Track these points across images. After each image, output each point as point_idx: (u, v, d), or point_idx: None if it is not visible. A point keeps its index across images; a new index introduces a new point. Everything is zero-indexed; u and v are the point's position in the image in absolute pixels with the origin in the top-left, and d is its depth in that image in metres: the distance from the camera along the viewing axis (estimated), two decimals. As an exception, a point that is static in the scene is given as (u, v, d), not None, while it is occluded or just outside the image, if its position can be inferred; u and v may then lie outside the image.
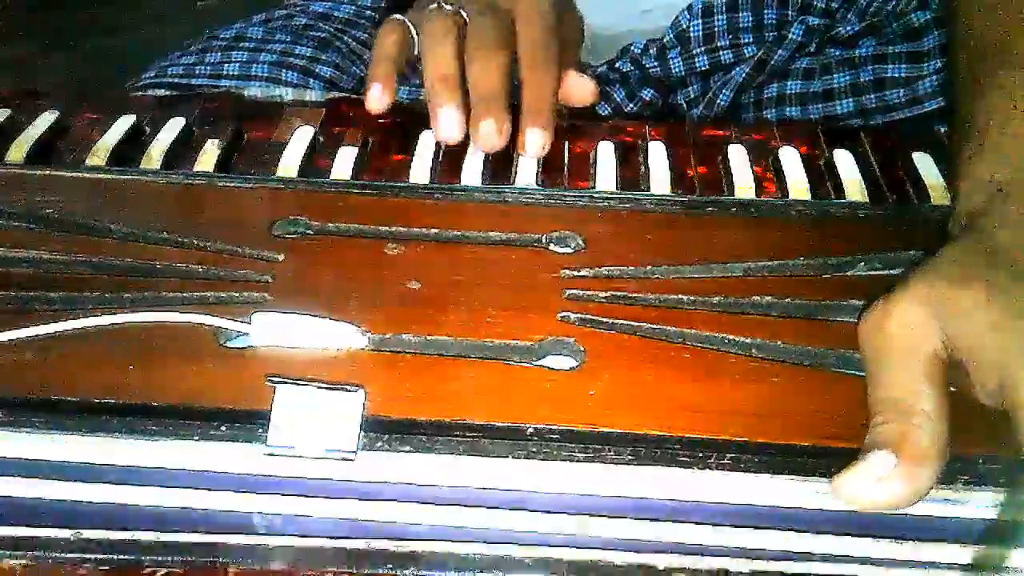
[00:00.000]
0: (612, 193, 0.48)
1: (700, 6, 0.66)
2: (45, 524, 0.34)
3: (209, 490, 0.35)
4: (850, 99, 0.63)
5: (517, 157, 0.51)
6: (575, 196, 0.48)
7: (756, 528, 0.34)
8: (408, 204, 0.47)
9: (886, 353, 0.35)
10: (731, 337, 0.39)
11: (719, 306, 0.41)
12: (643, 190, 0.49)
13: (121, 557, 0.33)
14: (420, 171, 0.50)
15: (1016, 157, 0.40)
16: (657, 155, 0.51)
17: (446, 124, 0.49)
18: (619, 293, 0.41)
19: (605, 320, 0.40)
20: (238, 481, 0.35)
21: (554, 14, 0.53)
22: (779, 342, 0.39)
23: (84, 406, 0.37)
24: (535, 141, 0.49)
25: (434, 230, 0.45)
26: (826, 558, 0.34)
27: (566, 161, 0.52)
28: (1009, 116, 0.42)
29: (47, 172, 0.49)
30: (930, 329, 0.34)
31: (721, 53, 0.66)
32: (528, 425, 0.36)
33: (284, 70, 0.66)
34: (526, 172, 0.50)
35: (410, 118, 0.54)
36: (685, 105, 0.68)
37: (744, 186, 0.49)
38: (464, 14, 0.52)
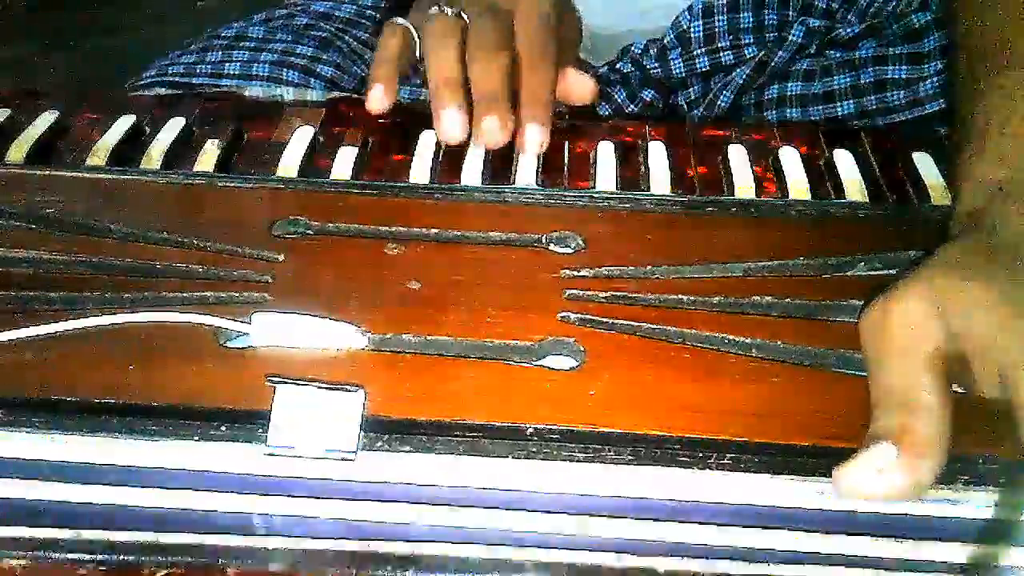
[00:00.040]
0: (612, 193, 0.48)
1: (700, 7, 0.66)
2: (45, 524, 0.34)
3: (209, 491, 0.35)
4: (851, 101, 0.63)
5: (517, 157, 0.51)
6: (575, 196, 0.48)
7: (756, 528, 0.34)
8: (408, 204, 0.47)
9: (887, 349, 0.35)
10: (731, 337, 0.39)
11: (719, 306, 0.41)
12: (643, 190, 0.49)
13: (121, 558, 0.33)
14: (420, 171, 0.50)
15: (1015, 157, 0.40)
16: (657, 155, 0.51)
17: (449, 124, 0.49)
18: (619, 293, 0.42)
19: (605, 320, 0.40)
20: (238, 481, 0.35)
21: (553, 14, 0.53)
22: (779, 342, 0.39)
23: (84, 406, 0.37)
24: (533, 136, 0.50)
25: (434, 230, 0.45)
26: (826, 559, 0.34)
27: (566, 161, 0.52)
28: (1009, 116, 0.42)
29: (47, 172, 0.49)
30: (930, 325, 0.34)
31: (722, 54, 0.66)
32: (528, 425, 0.36)
33: (285, 69, 0.66)
34: (526, 172, 0.50)
35: (410, 118, 0.54)
36: (686, 106, 0.68)
37: (744, 186, 0.49)
38: (465, 16, 0.52)
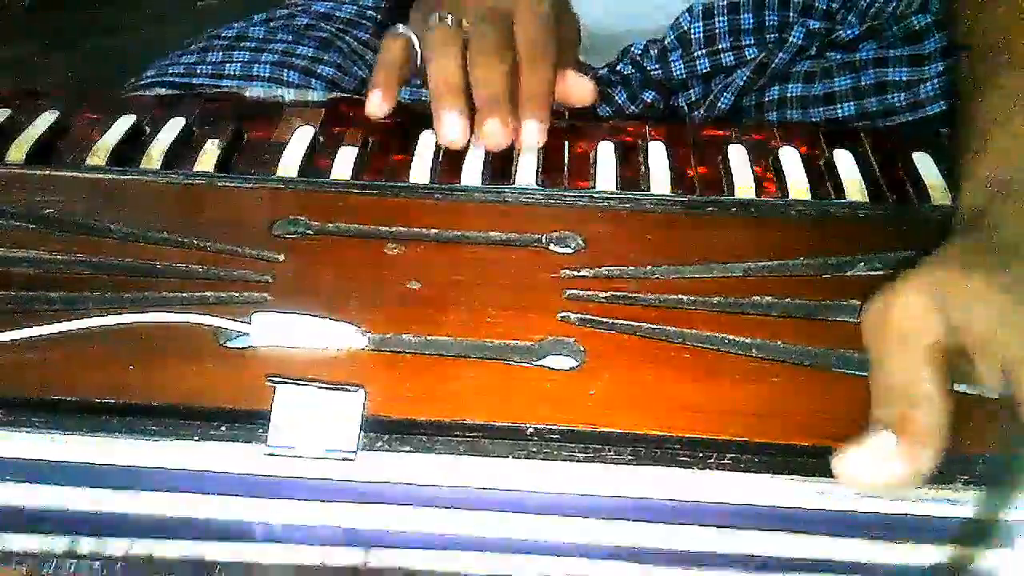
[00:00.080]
0: (612, 193, 0.48)
1: (700, 8, 0.66)
2: (44, 531, 0.34)
3: (208, 494, 0.35)
4: (851, 103, 0.63)
5: (517, 157, 0.51)
6: (575, 196, 0.48)
7: (756, 529, 0.34)
8: (408, 204, 0.47)
9: (888, 341, 0.35)
10: (731, 337, 0.39)
11: (719, 306, 0.41)
12: (643, 190, 0.49)
13: (119, 566, 0.33)
14: (420, 171, 0.50)
15: (1017, 157, 0.41)
16: (657, 155, 0.51)
17: (450, 128, 0.50)
18: (619, 293, 0.41)
19: (605, 320, 0.40)
20: (238, 481, 0.35)
21: (552, 15, 0.54)
22: (779, 342, 0.39)
23: (84, 406, 0.37)
24: (532, 134, 0.50)
25: (434, 230, 0.45)
26: (826, 558, 0.34)
27: (566, 161, 0.52)
28: (1010, 116, 0.42)
29: (47, 172, 0.49)
30: (932, 318, 0.34)
31: (722, 55, 0.66)
32: (528, 425, 0.36)
33: (286, 70, 0.66)
34: (526, 172, 0.50)
35: (410, 118, 0.54)
36: (686, 108, 0.68)
37: (744, 186, 0.49)
38: (465, 23, 0.52)
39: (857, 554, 0.34)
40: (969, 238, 0.38)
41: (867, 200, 0.48)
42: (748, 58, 0.65)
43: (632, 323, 0.40)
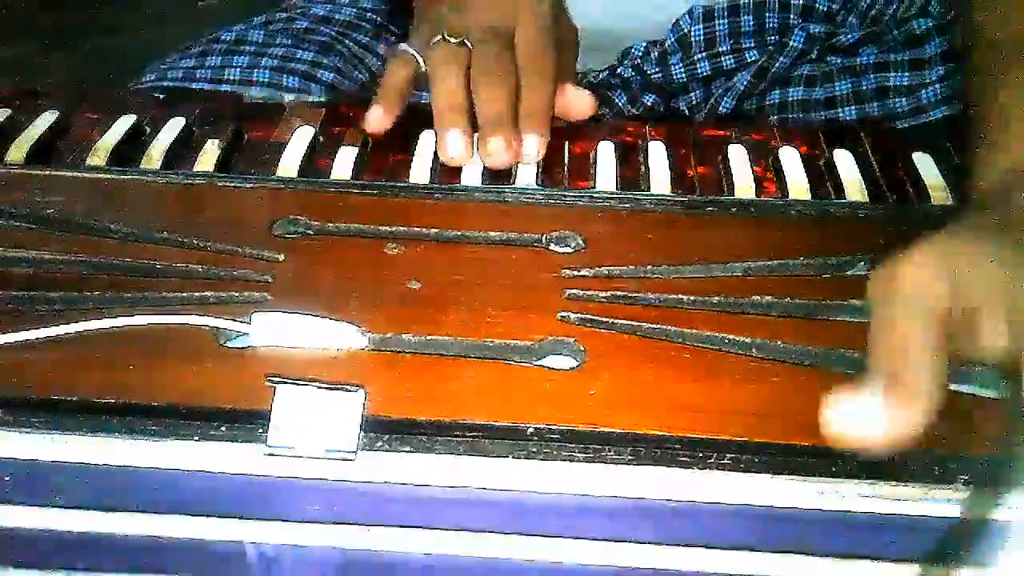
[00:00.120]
0: (612, 193, 0.48)
1: (701, 10, 0.66)
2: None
3: (207, 495, 0.35)
4: (853, 107, 0.64)
5: (517, 163, 0.51)
6: (575, 196, 0.48)
7: (756, 529, 0.34)
8: (408, 204, 0.47)
9: (892, 305, 0.35)
10: (731, 337, 0.39)
11: (719, 306, 0.41)
12: (643, 190, 0.49)
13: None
14: (420, 171, 0.50)
15: None
16: (657, 155, 0.51)
17: (452, 146, 0.51)
18: (619, 293, 0.42)
19: (605, 320, 0.40)
20: (238, 481, 0.35)
21: (552, 31, 0.55)
22: (779, 342, 0.39)
23: (84, 406, 0.37)
24: (531, 148, 0.51)
25: (434, 230, 0.45)
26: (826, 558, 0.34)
27: (566, 161, 0.52)
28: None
29: (47, 172, 0.49)
30: (937, 286, 0.34)
31: (723, 58, 0.66)
32: (528, 425, 0.36)
33: (285, 75, 0.66)
34: (526, 172, 0.51)
35: (410, 118, 0.54)
36: (687, 111, 0.68)
37: (744, 186, 0.49)
38: (468, 43, 0.53)
39: (856, 553, 0.34)
40: (984, 217, 0.38)
41: (867, 200, 0.48)
42: (748, 61, 0.65)
43: (632, 323, 0.40)
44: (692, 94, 0.68)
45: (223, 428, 0.36)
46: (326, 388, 0.36)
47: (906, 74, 0.63)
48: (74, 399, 0.37)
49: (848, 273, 0.43)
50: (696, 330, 0.39)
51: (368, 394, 0.36)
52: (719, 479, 0.35)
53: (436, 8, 0.57)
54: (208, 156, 0.51)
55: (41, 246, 0.44)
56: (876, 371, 0.33)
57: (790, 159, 0.51)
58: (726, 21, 0.66)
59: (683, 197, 0.48)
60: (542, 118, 0.52)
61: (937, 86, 0.61)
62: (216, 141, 0.52)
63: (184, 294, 0.41)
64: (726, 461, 0.35)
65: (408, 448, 0.36)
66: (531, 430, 0.36)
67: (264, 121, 0.55)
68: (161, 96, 0.65)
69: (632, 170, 0.51)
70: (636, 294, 0.41)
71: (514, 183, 0.50)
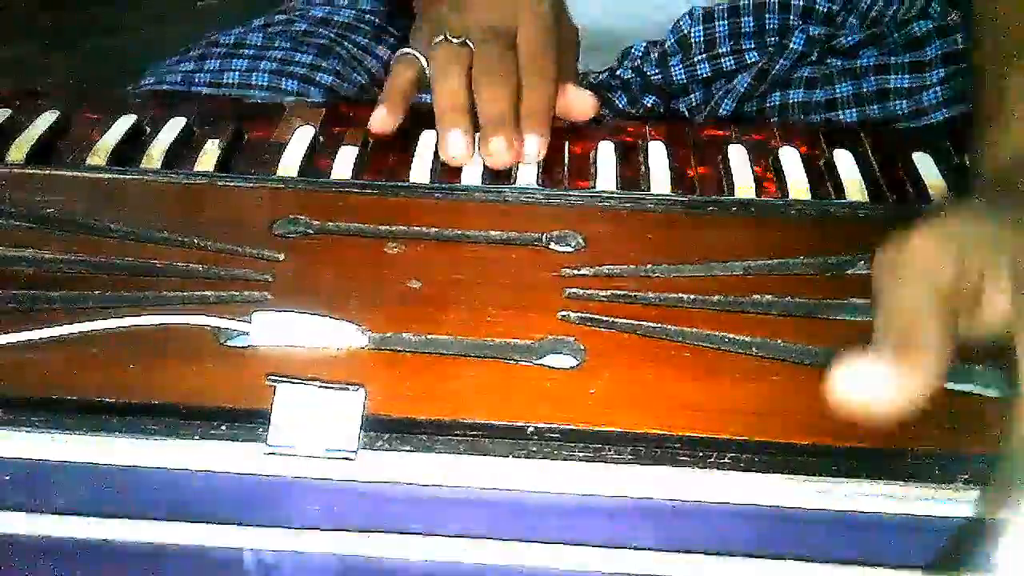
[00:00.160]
0: (612, 193, 0.48)
1: (701, 11, 0.66)
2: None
3: (207, 494, 0.35)
4: (853, 109, 0.64)
5: (517, 163, 0.51)
6: (575, 195, 0.48)
7: (756, 528, 0.34)
8: (408, 203, 0.47)
9: (897, 281, 0.35)
10: (731, 336, 0.39)
11: (719, 305, 0.41)
12: (643, 190, 0.49)
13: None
14: (420, 171, 0.50)
15: None
16: (657, 155, 0.51)
17: (453, 145, 0.51)
18: (619, 292, 0.42)
19: (605, 319, 0.40)
20: (239, 480, 0.35)
21: (554, 30, 0.55)
22: (779, 341, 0.39)
23: (84, 405, 0.37)
24: (532, 148, 0.51)
25: (434, 229, 0.45)
26: (825, 557, 0.34)
27: (566, 161, 0.52)
28: None
29: (48, 172, 0.49)
30: (943, 260, 0.34)
31: (723, 60, 0.66)
32: (528, 424, 0.36)
33: (284, 79, 0.66)
34: (526, 172, 0.51)
35: (410, 118, 0.54)
36: (687, 113, 0.68)
37: (744, 186, 0.49)
38: (470, 43, 0.53)
39: (856, 552, 0.34)
40: (987, 196, 0.38)
41: (867, 200, 0.48)
42: (748, 62, 0.65)
43: (632, 322, 0.40)
44: (692, 95, 0.68)
45: (223, 427, 0.36)
46: (326, 387, 0.36)
47: (906, 76, 0.63)
48: (74, 398, 0.37)
49: (848, 272, 0.43)
50: (696, 329, 0.39)
51: (368, 393, 0.36)
52: (719, 478, 0.35)
53: (437, 8, 0.57)
54: (208, 156, 0.51)
55: (41, 246, 0.44)
56: (882, 340, 0.33)
57: (790, 159, 0.51)
58: (726, 22, 0.66)
59: (683, 197, 0.48)
60: (543, 118, 0.52)
61: (938, 88, 0.61)
62: (216, 141, 0.52)
63: (184, 293, 0.41)
64: (726, 460, 0.35)
65: (408, 447, 0.36)
66: (531, 429, 0.36)
67: (264, 121, 0.55)
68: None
69: (632, 170, 0.51)
70: (636, 293, 0.41)
71: (514, 183, 0.50)
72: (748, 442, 0.35)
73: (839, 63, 0.65)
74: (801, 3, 0.66)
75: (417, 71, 0.55)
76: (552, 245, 0.44)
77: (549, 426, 0.36)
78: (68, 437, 0.36)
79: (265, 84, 0.65)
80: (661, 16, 0.67)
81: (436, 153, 0.52)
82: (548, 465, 0.35)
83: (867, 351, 0.32)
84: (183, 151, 0.52)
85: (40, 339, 0.38)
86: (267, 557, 0.34)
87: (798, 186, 0.49)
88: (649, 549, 0.34)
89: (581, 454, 0.35)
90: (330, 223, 0.45)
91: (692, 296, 0.41)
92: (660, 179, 0.50)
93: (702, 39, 0.66)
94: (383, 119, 0.54)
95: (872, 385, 0.31)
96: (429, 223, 0.45)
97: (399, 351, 0.39)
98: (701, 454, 0.35)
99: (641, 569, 0.33)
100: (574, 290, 0.42)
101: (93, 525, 0.34)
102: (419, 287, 0.42)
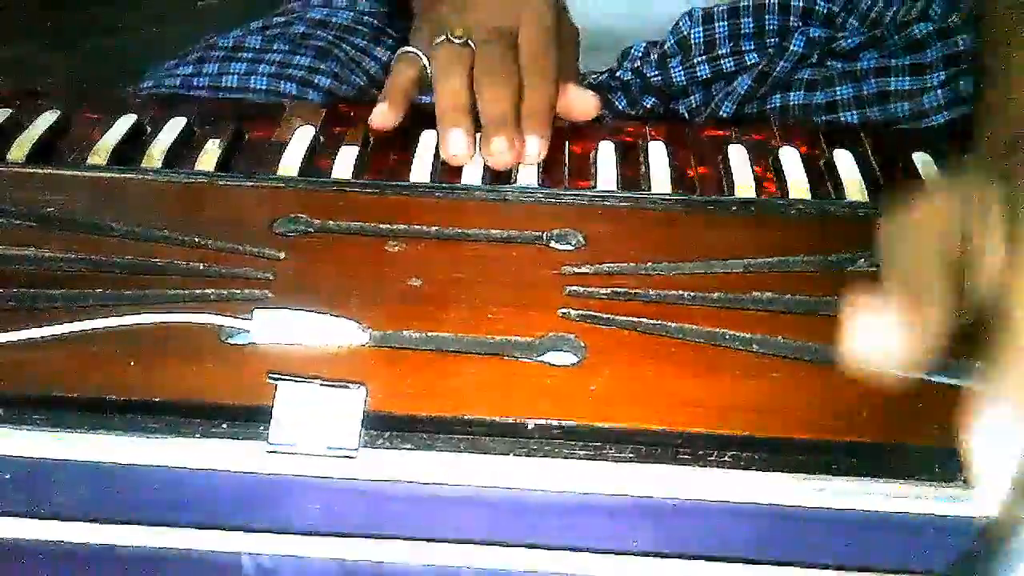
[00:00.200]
0: (612, 192, 0.49)
1: (700, 12, 0.66)
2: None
3: (208, 493, 0.35)
4: (854, 111, 0.64)
5: (518, 164, 0.51)
6: (575, 194, 0.48)
7: (756, 526, 0.34)
8: (409, 202, 0.47)
9: (903, 243, 0.35)
10: (732, 333, 0.39)
11: (719, 302, 0.41)
12: (644, 190, 0.49)
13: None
14: (420, 171, 0.51)
15: None
16: (657, 155, 0.52)
17: (454, 144, 0.51)
18: (620, 289, 0.42)
19: (606, 316, 0.40)
20: (240, 478, 0.35)
21: (555, 31, 0.55)
22: (779, 337, 0.39)
23: (85, 404, 0.37)
24: (532, 148, 0.51)
25: (435, 228, 0.45)
26: (826, 556, 0.34)
27: (567, 161, 0.52)
28: None
29: (48, 171, 0.49)
30: (950, 223, 0.34)
31: (722, 61, 0.66)
32: (529, 421, 0.36)
33: (283, 81, 0.66)
34: (527, 172, 0.51)
35: (411, 118, 0.55)
36: (687, 114, 0.68)
37: (744, 186, 0.49)
38: (471, 43, 0.53)
39: (856, 552, 0.34)
40: (996, 162, 0.38)
41: (867, 200, 0.48)
42: (748, 64, 0.65)
43: (633, 319, 0.40)
44: (692, 97, 0.68)
45: (224, 425, 0.36)
46: (327, 385, 0.36)
47: (907, 79, 0.63)
48: (75, 397, 0.37)
49: (848, 270, 0.43)
50: (696, 326, 0.39)
51: (369, 391, 0.36)
52: (720, 476, 0.35)
53: (438, 9, 0.57)
54: (209, 156, 0.51)
55: (42, 245, 0.44)
56: (887, 299, 0.33)
57: (790, 159, 0.51)
58: (726, 23, 0.66)
59: (683, 196, 0.48)
60: (544, 118, 0.52)
61: (939, 91, 0.61)
62: (217, 141, 0.52)
63: (185, 292, 0.41)
64: (727, 459, 0.35)
65: (409, 445, 0.36)
66: (532, 426, 0.36)
67: (264, 121, 0.55)
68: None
69: (632, 170, 0.51)
70: (637, 291, 0.41)
71: (515, 183, 0.50)
72: (749, 438, 0.35)
73: (839, 65, 0.65)
74: (801, 4, 0.66)
75: (418, 70, 0.55)
76: (552, 243, 0.44)
77: (550, 423, 0.36)
78: (69, 435, 0.36)
79: (264, 87, 0.65)
80: (661, 17, 0.67)
81: (437, 153, 0.52)
82: (549, 462, 0.35)
83: (876, 303, 0.32)
84: (184, 151, 0.52)
85: (41, 338, 0.38)
86: (265, 561, 0.34)
87: (798, 186, 0.49)
88: (651, 555, 0.34)
89: (582, 451, 0.36)
90: (331, 222, 0.45)
91: (692, 293, 0.41)
92: (660, 179, 0.50)
93: (701, 40, 0.66)
94: (384, 115, 0.54)
95: (881, 335, 0.31)
96: (430, 222, 0.45)
97: (400, 349, 0.39)
98: (702, 451, 0.35)
99: (643, 574, 0.33)
100: (574, 288, 0.42)
101: (90, 530, 0.34)
102: (420, 285, 0.42)
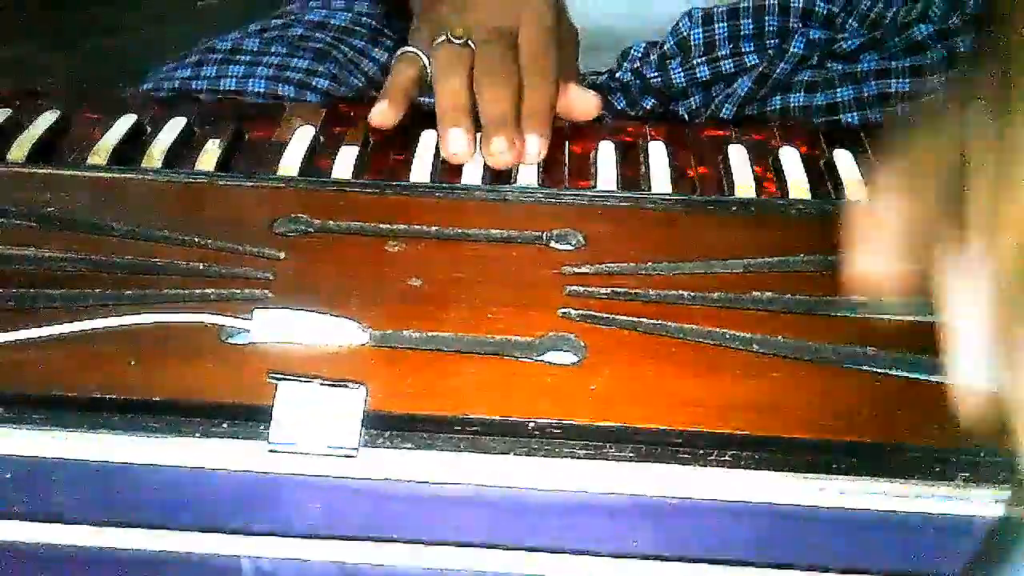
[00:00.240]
0: (612, 192, 0.49)
1: (700, 13, 0.66)
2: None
3: (208, 492, 0.35)
4: (855, 113, 0.64)
5: (518, 164, 0.51)
6: (575, 194, 0.48)
7: (756, 525, 0.34)
8: (409, 202, 0.47)
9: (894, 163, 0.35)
10: (731, 332, 0.39)
11: (719, 302, 0.41)
12: (643, 190, 0.49)
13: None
14: (420, 171, 0.51)
15: None
16: (657, 155, 0.52)
17: (455, 142, 0.51)
18: (620, 289, 0.42)
19: (606, 316, 0.40)
20: (240, 478, 0.35)
21: (555, 30, 0.55)
22: (779, 337, 0.39)
23: (85, 403, 0.37)
24: (532, 148, 0.51)
25: (435, 227, 0.45)
26: (825, 555, 0.34)
27: (567, 161, 0.52)
28: None
29: (48, 171, 0.49)
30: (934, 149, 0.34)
31: (722, 62, 0.66)
32: (529, 420, 0.36)
33: (281, 84, 0.66)
34: (527, 172, 0.51)
35: (411, 118, 0.55)
36: (687, 116, 0.68)
37: (744, 186, 0.49)
38: (472, 44, 0.54)
39: (856, 551, 0.34)
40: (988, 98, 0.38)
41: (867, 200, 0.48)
42: (748, 65, 0.65)
43: (633, 319, 0.40)
44: (692, 99, 0.68)
45: (224, 425, 0.36)
46: (327, 385, 0.36)
47: (907, 80, 0.63)
48: (75, 396, 0.37)
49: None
50: (696, 326, 0.40)
51: (369, 390, 0.36)
52: (720, 476, 0.35)
53: (437, 9, 0.57)
54: (209, 156, 0.51)
55: (42, 245, 0.44)
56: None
57: (790, 159, 0.51)
58: (725, 25, 0.66)
59: (683, 196, 0.48)
60: (544, 118, 0.52)
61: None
62: (217, 141, 0.52)
63: (185, 291, 0.41)
64: (727, 458, 0.35)
65: (409, 444, 0.36)
66: (532, 425, 0.36)
67: (264, 121, 0.55)
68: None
69: (632, 170, 0.51)
70: (637, 290, 0.41)
71: (515, 183, 0.50)
72: (749, 438, 0.35)
73: (840, 67, 0.65)
74: (800, 5, 0.66)
75: (419, 70, 0.55)
76: (552, 243, 0.44)
77: (550, 422, 0.36)
78: (69, 435, 0.36)
79: (262, 90, 0.65)
80: (661, 17, 0.67)
81: (437, 153, 0.52)
82: (549, 462, 0.36)
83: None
84: (184, 151, 0.52)
85: (41, 337, 0.38)
86: (265, 565, 0.34)
87: (798, 186, 0.49)
88: (651, 557, 0.34)
89: (582, 451, 0.36)
90: (331, 221, 0.45)
91: (692, 293, 0.41)
92: (660, 179, 0.50)
93: (701, 41, 0.66)
94: (383, 113, 0.54)
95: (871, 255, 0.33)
96: (430, 222, 0.45)
97: (400, 348, 0.39)
98: (702, 451, 0.35)
99: (642, 564, 0.33)
100: (575, 287, 0.42)
101: (89, 533, 0.34)
102: (420, 285, 0.42)
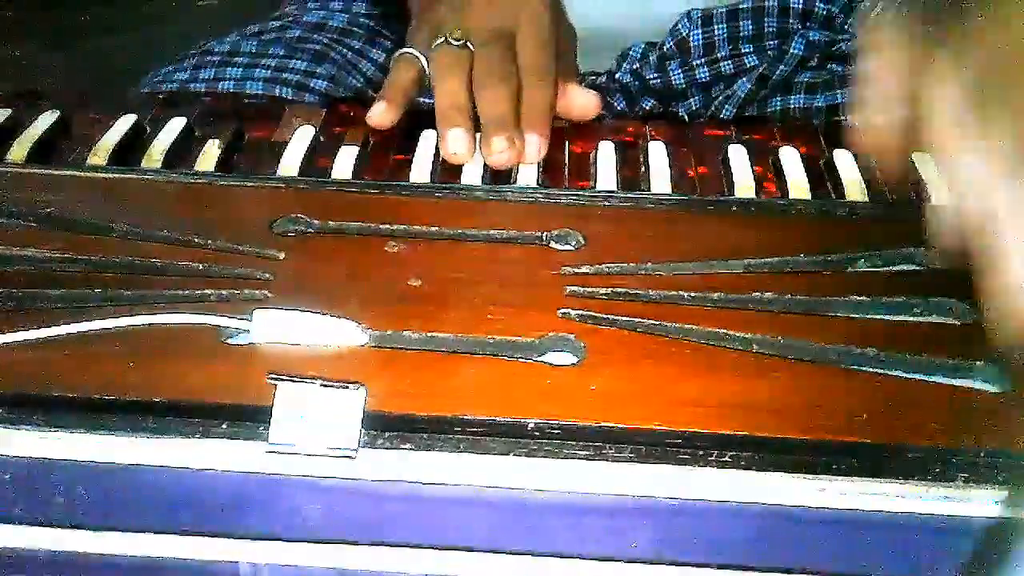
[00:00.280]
0: (612, 192, 0.49)
1: (699, 14, 0.66)
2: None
3: (206, 497, 0.35)
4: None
5: (518, 164, 0.51)
6: (575, 195, 0.48)
7: (756, 525, 0.34)
8: (409, 202, 0.47)
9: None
10: (731, 332, 0.39)
11: (719, 302, 0.41)
12: (643, 190, 0.49)
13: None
14: (421, 172, 0.51)
15: None
16: (657, 155, 0.52)
17: (454, 142, 0.51)
18: (620, 289, 0.42)
19: (606, 316, 0.40)
20: (239, 478, 0.35)
21: (553, 31, 0.55)
22: (779, 337, 0.39)
23: (85, 403, 0.37)
24: (532, 147, 0.51)
25: (435, 228, 0.45)
26: (825, 555, 0.34)
27: (567, 161, 0.52)
28: None
29: (48, 171, 0.49)
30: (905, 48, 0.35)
31: (721, 64, 0.66)
32: (529, 421, 0.36)
33: (279, 86, 0.66)
34: (527, 172, 0.51)
35: (411, 118, 0.55)
36: (687, 117, 0.68)
37: (744, 186, 0.49)
38: (470, 45, 0.54)
39: (856, 550, 0.34)
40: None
41: (868, 200, 0.48)
42: (747, 66, 0.65)
43: (633, 319, 0.40)
44: (691, 100, 0.68)
45: (224, 425, 0.36)
46: (327, 385, 0.36)
47: None
48: (75, 397, 0.37)
49: (848, 270, 0.43)
50: (696, 326, 0.39)
51: (369, 391, 0.36)
52: (720, 476, 0.35)
53: (436, 11, 0.57)
54: (209, 156, 0.51)
55: (42, 245, 0.44)
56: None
57: (790, 159, 0.51)
58: (725, 26, 0.66)
59: (683, 196, 0.48)
60: (543, 118, 0.52)
61: None
62: (217, 141, 0.52)
63: (185, 292, 0.41)
64: (727, 459, 0.35)
65: (409, 445, 0.36)
66: (532, 426, 0.36)
67: (265, 121, 0.55)
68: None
69: (632, 170, 0.51)
70: (636, 291, 0.41)
71: (515, 183, 0.50)
72: (749, 438, 0.35)
73: (840, 68, 0.65)
74: (800, 7, 0.66)
75: (418, 70, 0.55)
76: (552, 244, 0.44)
77: (549, 423, 0.36)
78: (69, 435, 0.36)
79: (260, 92, 0.65)
80: (661, 17, 0.67)
81: (437, 153, 0.52)
82: (549, 462, 0.35)
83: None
84: (184, 151, 0.52)
85: (41, 338, 0.38)
86: (263, 570, 0.34)
87: (798, 186, 0.49)
88: (651, 562, 0.34)
89: (582, 451, 0.36)
90: (330, 222, 0.45)
91: (692, 293, 0.41)
92: (660, 179, 0.50)
93: (700, 43, 0.66)
94: (382, 113, 0.54)
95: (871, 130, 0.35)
96: (429, 222, 0.45)
97: (399, 349, 0.39)
98: (701, 452, 0.35)
99: (642, 564, 0.33)
100: (574, 288, 0.42)
101: (88, 538, 0.34)
102: (419, 285, 0.42)
